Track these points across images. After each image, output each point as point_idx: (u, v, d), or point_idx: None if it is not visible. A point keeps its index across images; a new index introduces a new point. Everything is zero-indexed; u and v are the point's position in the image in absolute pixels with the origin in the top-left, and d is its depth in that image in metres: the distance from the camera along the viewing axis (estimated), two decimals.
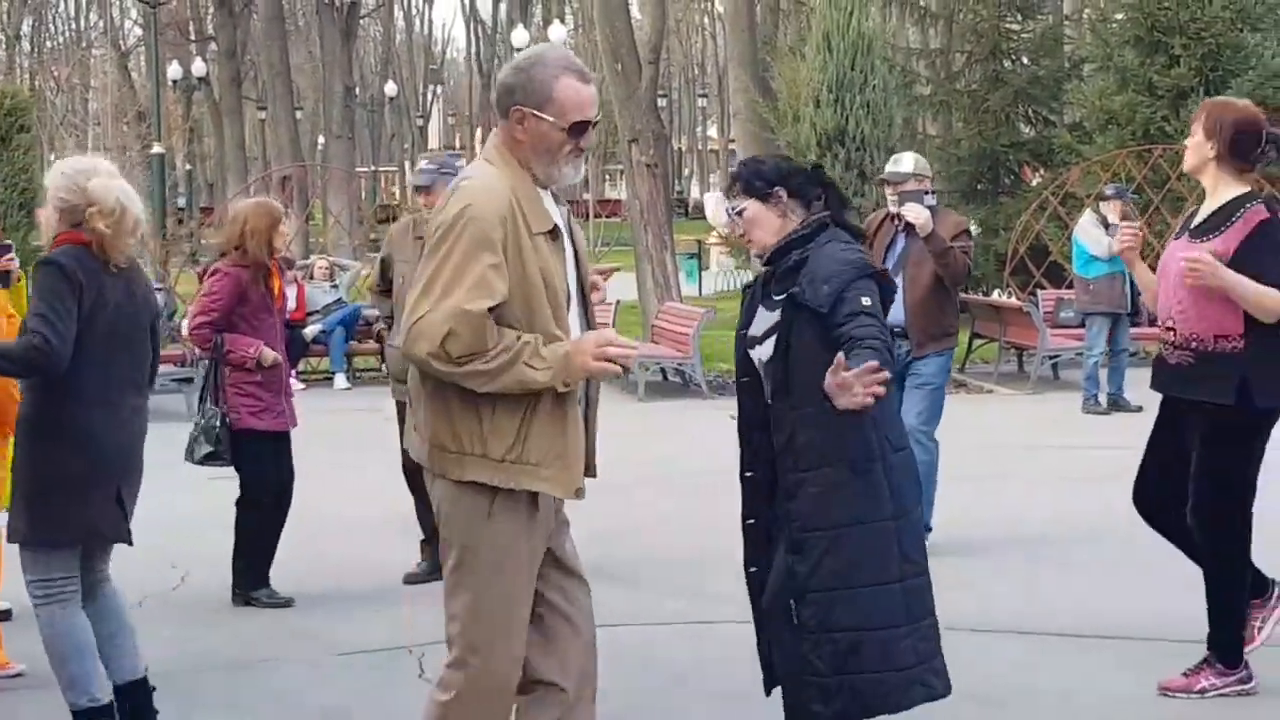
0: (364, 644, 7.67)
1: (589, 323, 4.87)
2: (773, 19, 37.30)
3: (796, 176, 5.35)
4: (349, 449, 13.35)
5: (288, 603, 8.47)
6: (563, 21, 58.60)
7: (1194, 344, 6.21)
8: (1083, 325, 16.56)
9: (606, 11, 30.52)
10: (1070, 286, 17.74)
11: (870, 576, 5.04)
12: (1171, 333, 6.31)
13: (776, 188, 5.28)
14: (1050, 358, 18.00)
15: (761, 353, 5.21)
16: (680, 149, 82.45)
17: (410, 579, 8.95)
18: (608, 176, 72.22)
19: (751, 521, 5.35)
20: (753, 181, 5.33)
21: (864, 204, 17.76)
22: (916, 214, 8.96)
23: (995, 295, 22.66)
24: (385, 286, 9.29)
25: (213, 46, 50.65)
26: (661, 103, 57.76)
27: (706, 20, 79.04)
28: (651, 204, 21.69)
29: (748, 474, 5.34)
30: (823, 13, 18.70)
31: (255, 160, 60.67)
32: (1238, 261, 6.11)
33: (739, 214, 5.35)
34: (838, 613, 5.02)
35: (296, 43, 64.91)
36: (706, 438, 12.78)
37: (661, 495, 11.48)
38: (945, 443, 9.29)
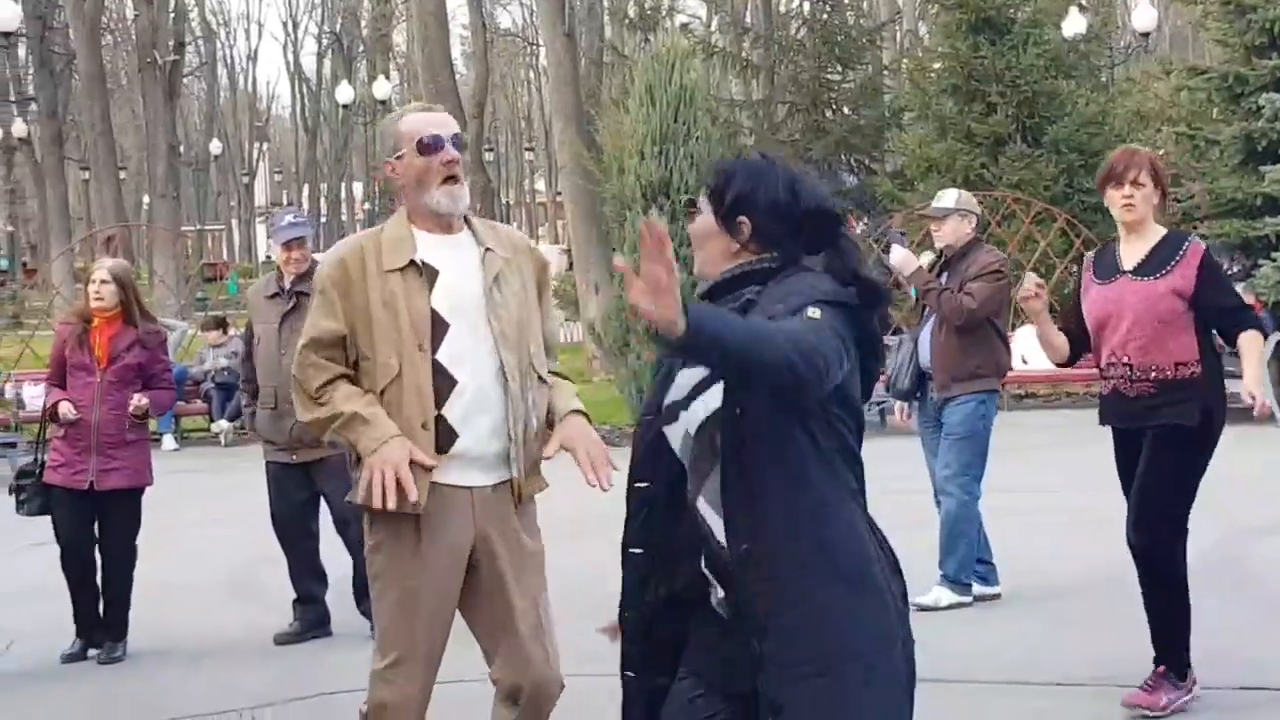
0: (196, 709, 7.54)
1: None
2: (596, 72, 37.55)
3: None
4: (178, 511, 13.13)
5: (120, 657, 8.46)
6: (387, 77, 58.50)
7: (1154, 374, 6.59)
8: None
9: (431, 67, 30.60)
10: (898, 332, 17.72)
11: None
12: (1127, 368, 6.65)
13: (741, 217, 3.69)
14: (877, 403, 17.73)
15: (689, 420, 3.56)
16: (508, 202, 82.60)
17: (282, 639, 8.72)
18: None
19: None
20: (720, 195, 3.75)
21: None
22: (894, 254, 9.11)
23: None
24: (246, 350, 9.08)
25: (33, 107, 49.80)
26: (488, 156, 57.99)
27: (531, 74, 79.28)
28: None
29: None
30: (645, 66, 18.83)
31: (80, 221, 59.72)
32: (1196, 293, 6.58)
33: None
34: None
35: (119, 102, 64.17)
36: None
37: None
38: None
